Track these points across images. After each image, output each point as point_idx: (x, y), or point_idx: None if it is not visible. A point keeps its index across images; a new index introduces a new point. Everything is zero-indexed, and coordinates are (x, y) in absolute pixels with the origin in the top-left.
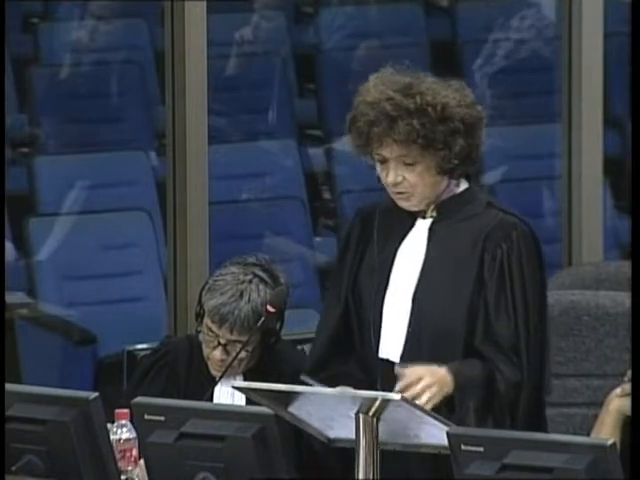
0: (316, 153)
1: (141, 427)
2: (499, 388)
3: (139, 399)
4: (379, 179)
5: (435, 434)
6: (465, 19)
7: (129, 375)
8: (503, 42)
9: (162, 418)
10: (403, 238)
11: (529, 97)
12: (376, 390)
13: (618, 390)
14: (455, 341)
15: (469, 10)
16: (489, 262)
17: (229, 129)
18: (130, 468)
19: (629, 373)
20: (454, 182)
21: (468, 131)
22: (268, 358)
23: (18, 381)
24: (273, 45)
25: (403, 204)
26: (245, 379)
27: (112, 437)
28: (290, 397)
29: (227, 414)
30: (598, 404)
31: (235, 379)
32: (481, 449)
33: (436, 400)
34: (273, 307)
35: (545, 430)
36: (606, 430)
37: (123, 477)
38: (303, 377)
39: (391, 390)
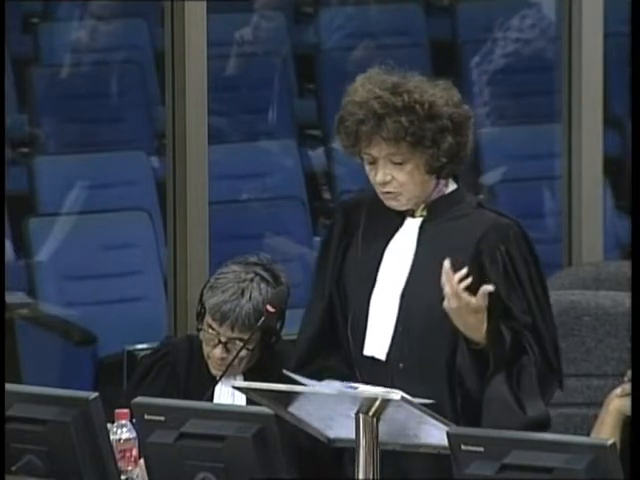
0: (316, 153)
1: (141, 427)
2: (527, 352)
3: (139, 399)
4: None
5: (435, 434)
6: (465, 19)
7: (129, 375)
8: (503, 42)
9: (162, 418)
10: (391, 236)
11: (529, 97)
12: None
13: (618, 390)
14: (444, 339)
15: (469, 10)
16: (489, 264)
17: (229, 129)
18: (130, 468)
19: (629, 373)
20: (443, 182)
21: (456, 129)
22: (268, 358)
23: (18, 381)
24: (273, 45)
25: (392, 203)
26: (245, 379)
27: (112, 437)
28: (290, 397)
29: (227, 414)
30: (598, 404)
31: (235, 379)
32: (481, 449)
33: (470, 300)
34: (273, 307)
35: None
36: (606, 430)
37: (123, 477)
38: (286, 373)
39: None
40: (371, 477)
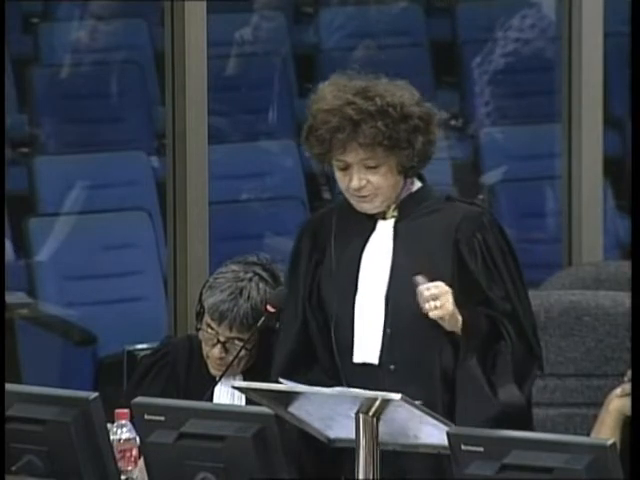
0: None
1: (141, 427)
2: (504, 338)
3: (139, 399)
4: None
5: (435, 434)
6: (465, 19)
7: (129, 375)
8: (503, 42)
9: (162, 418)
10: (366, 241)
11: (529, 97)
12: None
13: (618, 390)
14: (433, 337)
15: (469, 10)
16: (468, 253)
17: (229, 129)
18: (130, 468)
19: (629, 373)
20: (409, 181)
21: (426, 128)
22: (268, 358)
23: (18, 381)
24: (273, 45)
25: (365, 207)
26: (245, 379)
27: (112, 437)
28: (290, 397)
29: (227, 414)
30: (598, 404)
31: (235, 379)
32: (481, 449)
33: (446, 310)
34: (273, 307)
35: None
36: (606, 430)
37: (123, 477)
38: (282, 381)
39: None
40: (371, 477)
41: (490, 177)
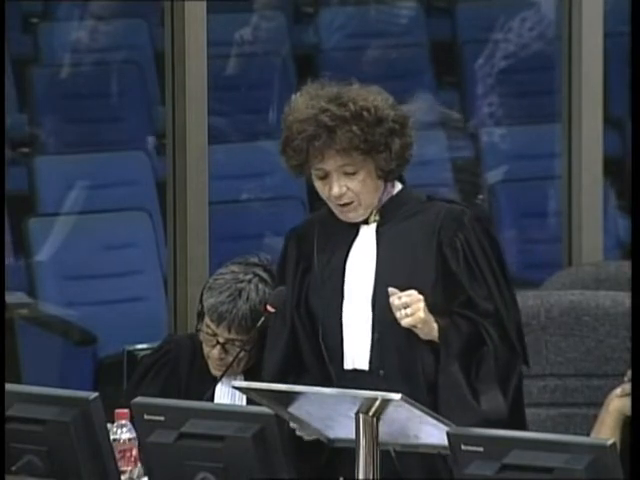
0: None
1: (141, 427)
2: (486, 342)
3: (139, 399)
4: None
5: (435, 434)
6: (465, 19)
7: (129, 375)
8: (503, 42)
9: (162, 418)
10: (350, 247)
11: (529, 97)
12: None
13: (618, 390)
14: (419, 341)
15: (469, 10)
16: (451, 254)
17: (229, 129)
18: (130, 468)
19: (629, 373)
20: (390, 184)
21: (402, 131)
22: None
23: (18, 381)
24: (273, 45)
25: (349, 216)
26: (245, 379)
27: (112, 437)
28: (290, 397)
29: (227, 414)
30: (598, 404)
31: (235, 379)
32: (481, 449)
33: (418, 318)
34: (273, 307)
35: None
36: (606, 430)
37: (123, 477)
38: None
39: None
40: (371, 477)
41: (490, 177)
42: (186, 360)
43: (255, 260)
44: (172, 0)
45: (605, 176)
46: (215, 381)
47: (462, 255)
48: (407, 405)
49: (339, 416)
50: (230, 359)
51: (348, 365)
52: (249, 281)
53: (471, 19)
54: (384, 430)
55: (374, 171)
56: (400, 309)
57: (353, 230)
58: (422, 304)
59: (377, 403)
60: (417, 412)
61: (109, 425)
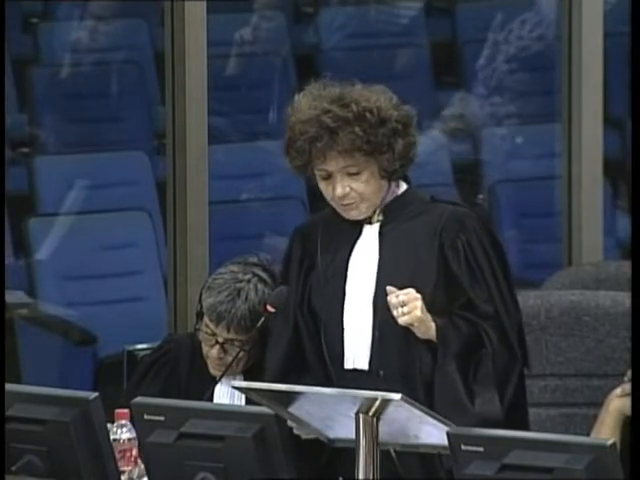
0: None
1: (141, 427)
2: (485, 345)
3: (139, 399)
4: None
5: (435, 434)
6: (465, 19)
7: (129, 375)
8: (503, 42)
9: (162, 418)
10: (352, 247)
11: (529, 97)
12: None
13: (618, 390)
14: (418, 341)
15: (469, 10)
16: (452, 255)
17: (229, 129)
18: (130, 468)
19: (629, 373)
20: (394, 184)
21: (405, 131)
22: None
23: (18, 381)
24: (273, 45)
25: (352, 214)
26: (245, 379)
27: (112, 437)
28: (290, 397)
29: (227, 414)
30: (598, 404)
31: (235, 379)
32: (481, 449)
33: (414, 317)
34: (273, 307)
35: (525, 400)
36: (606, 430)
37: (123, 477)
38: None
39: None
40: (371, 477)
41: (490, 177)
42: (186, 360)
43: (254, 260)
44: (172, 0)
45: (605, 176)
46: (214, 381)
47: (463, 256)
48: (407, 405)
49: (339, 416)
50: (229, 359)
51: (348, 365)
52: (248, 281)
53: (471, 19)
54: (384, 430)
55: (377, 171)
56: (397, 307)
57: (356, 230)
58: (419, 303)
59: (377, 403)
60: (417, 412)
61: (109, 425)
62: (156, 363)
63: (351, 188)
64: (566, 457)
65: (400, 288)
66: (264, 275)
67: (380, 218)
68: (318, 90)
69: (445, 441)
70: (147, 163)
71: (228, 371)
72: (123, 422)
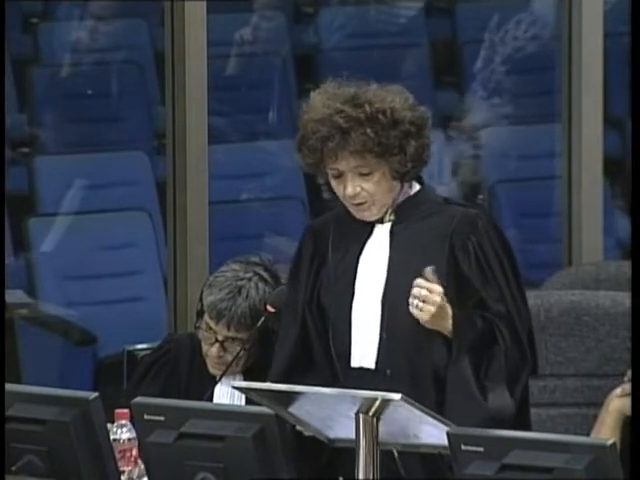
0: None
1: (141, 427)
2: (498, 341)
3: (139, 399)
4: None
5: (435, 434)
6: (465, 19)
7: (129, 375)
8: (503, 42)
9: (162, 418)
10: (363, 245)
11: (529, 97)
12: None
13: (618, 390)
14: (429, 341)
15: (469, 10)
16: (463, 256)
17: (229, 129)
18: (130, 468)
19: (629, 373)
20: (407, 184)
21: (418, 132)
22: (268, 357)
23: (18, 381)
24: (273, 45)
25: (363, 214)
26: (245, 378)
27: (112, 437)
28: (290, 397)
29: (227, 414)
30: (598, 404)
31: (235, 378)
32: (481, 449)
33: (423, 316)
34: (273, 307)
35: (527, 403)
36: (606, 430)
37: (123, 477)
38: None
39: None
40: (371, 477)
41: (490, 177)
42: (186, 360)
43: (256, 259)
44: (172, 0)
45: (605, 176)
46: (214, 381)
47: (474, 257)
48: (407, 405)
49: (339, 416)
50: (229, 358)
51: (355, 363)
52: (249, 279)
53: (471, 19)
54: (384, 430)
55: (389, 172)
56: (414, 298)
57: (368, 229)
58: (434, 308)
59: (377, 403)
60: (417, 412)
61: (109, 425)
62: (156, 363)
63: (362, 188)
64: (566, 457)
65: (409, 287)
66: (265, 274)
67: (392, 218)
68: (333, 89)
69: (445, 441)
70: (147, 163)
71: (228, 370)
72: (123, 422)
